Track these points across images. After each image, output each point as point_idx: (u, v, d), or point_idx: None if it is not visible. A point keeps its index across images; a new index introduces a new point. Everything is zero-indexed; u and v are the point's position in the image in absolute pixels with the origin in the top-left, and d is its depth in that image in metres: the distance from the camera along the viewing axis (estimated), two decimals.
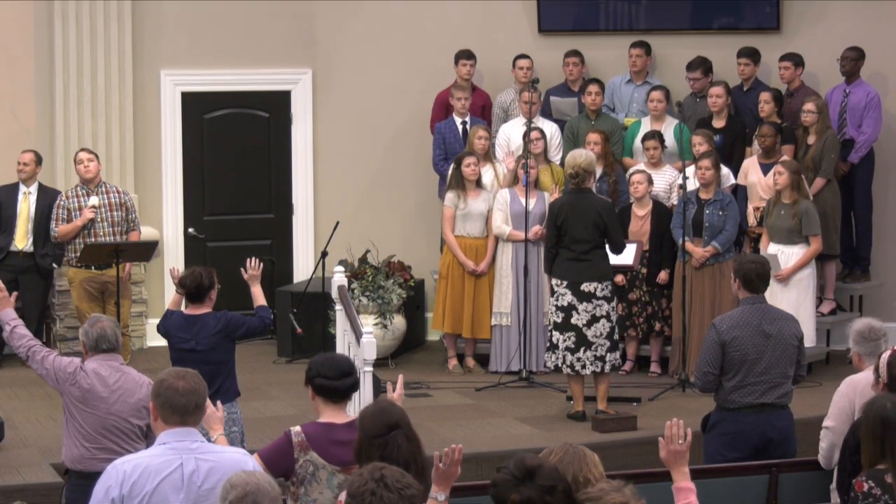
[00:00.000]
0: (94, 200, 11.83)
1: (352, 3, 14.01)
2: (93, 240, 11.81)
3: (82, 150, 12.31)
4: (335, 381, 6.49)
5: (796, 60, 13.07)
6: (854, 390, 7.71)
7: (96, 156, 12.16)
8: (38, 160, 12.63)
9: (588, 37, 13.89)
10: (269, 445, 6.47)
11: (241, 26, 13.84)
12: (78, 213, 12.12)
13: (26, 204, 12.57)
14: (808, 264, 11.97)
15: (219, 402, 6.58)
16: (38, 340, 7.77)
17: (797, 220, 11.86)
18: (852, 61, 13.03)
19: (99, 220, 11.90)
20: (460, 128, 13.19)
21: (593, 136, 12.48)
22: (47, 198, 12.60)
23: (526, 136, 12.47)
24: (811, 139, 12.58)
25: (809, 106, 12.53)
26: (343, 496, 5.77)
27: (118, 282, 11.56)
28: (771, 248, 11.93)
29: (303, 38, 14.02)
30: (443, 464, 5.64)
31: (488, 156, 12.68)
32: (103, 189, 12.00)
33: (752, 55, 13.16)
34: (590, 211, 10.76)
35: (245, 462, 5.63)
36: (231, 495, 4.84)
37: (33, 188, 12.61)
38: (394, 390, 6.76)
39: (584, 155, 10.95)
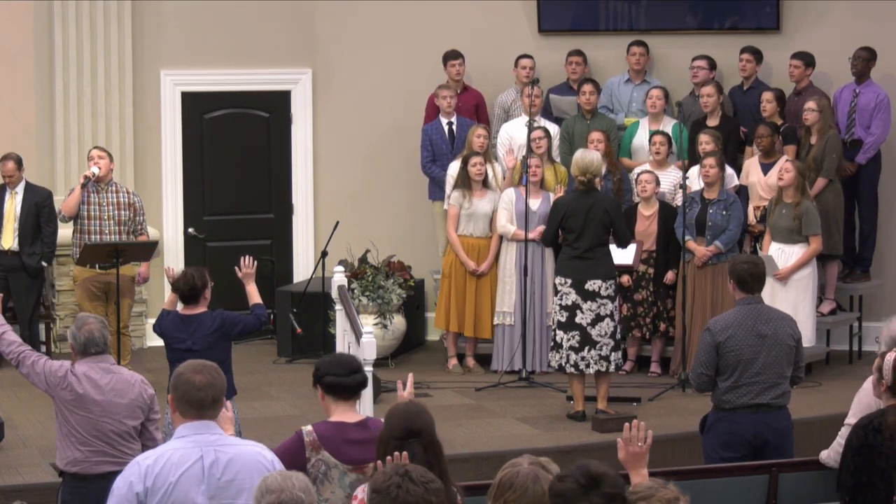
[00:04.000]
0: (94, 169, 11.82)
1: (352, 3, 14.01)
2: (98, 237, 11.76)
3: (95, 147, 12.23)
4: (345, 378, 6.50)
5: (807, 60, 13.04)
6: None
7: (109, 154, 12.06)
8: (20, 163, 12.58)
9: (588, 37, 13.89)
10: (281, 445, 6.46)
11: (241, 26, 13.84)
12: (86, 204, 11.96)
13: (12, 204, 12.54)
14: (809, 264, 11.96)
15: (228, 402, 6.58)
16: (27, 346, 7.72)
17: (797, 221, 11.85)
18: (864, 61, 13.00)
19: (105, 217, 11.84)
20: (446, 128, 13.20)
21: (596, 135, 12.45)
22: (35, 196, 12.58)
23: (529, 134, 12.49)
24: (813, 139, 12.54)
25: (811, 105, 12.50)
26: (359, 492, 5.76)
27: (118, 282, 11.53)
28: (772, 248, 11.93)
29: (303, 38, 14.03)
30: None
31: (487, 154, 12.68)
32: (113, 188, 11.93)
33: (755, 52, 13.16)
34: (596, 209, 10.74)
35: (263, 455, 5.63)
36: (265, 501, 4.85)
37: (20, 188, 12.58)
38: (404, 389, 6.76)
39: (595, 161, 10.88)
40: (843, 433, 7.82)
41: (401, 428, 5.83)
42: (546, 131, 12.60)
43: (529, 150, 12.38)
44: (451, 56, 13.50)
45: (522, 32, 13.91)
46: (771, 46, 13.36)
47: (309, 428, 6.44)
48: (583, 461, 4.77)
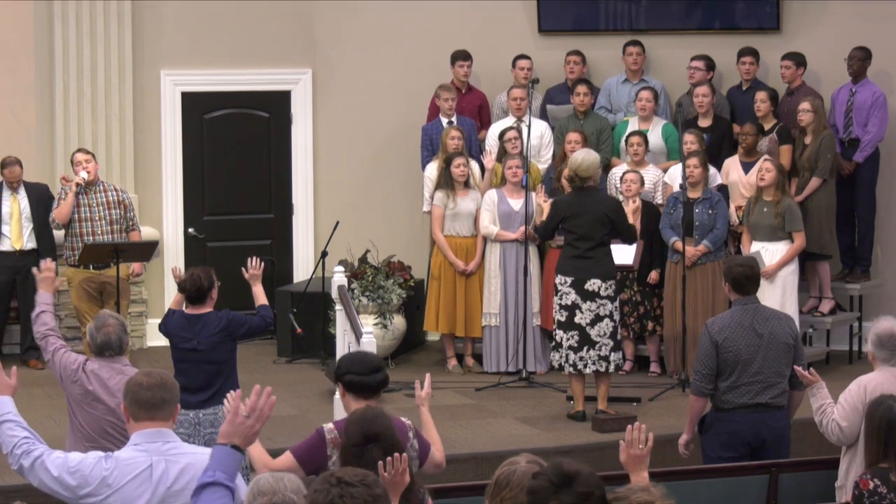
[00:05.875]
0: (83, 175, 11.85)
1: (352, 3, 14.01)
2: (91, 238, 11.80)
3: (79, 150, 12.28)
4: (365, 377, 6.55)
5: (798, 60, 13.06)
6: (864, 391, 7.73)
7: (93, 156, 12.13)
8: (21, 165, 12.57)
9: (588, 37, 13.88)
10: (302, 443, 6.49)
11: (241, 26, 13.84)
12: (76, 206, 12.00)
13: (16, 204, 12.48)
14: (792, 261, 11.97)
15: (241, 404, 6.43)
16: (56, 332, 7.81)
17: (780, 218, 11.87)
18: (859, 61, 13.01)
19: (97, 217, 11.89)
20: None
21: (573, 136, 12.51)
22: (35, 192, 12.55)
23: (502, 135, 12.56)
24: (808, 139, 12.56)
25: (805, 105, 12.52)
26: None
27: (118, 282, 11.55)
28: (754, 246, 11.93)
29: (303, 38, 14.03)
30: (388, 473, 5.60)
31: (463, 155, 12.69)
32: (101, 188, 11.98)
33: (756, 54, 13.17)
34: (596, 209, 10.73)
35: None
36: (257, 503, 4.83)
37: (21, 188, 12.53)
38: (422, 388, 6.79)
39: (587, 162, 10.84)
40: (838, 412, 7.79)
41: (359, 434, 5.84)
42: (519, 132, 12.60)
43: (504, 151, 12.44)
44: (461, 57, 13.49)
45: (522, 32, 13.91)
46: (771, 46, 13.37)
47: (330, 425, 6.47)
48: (559, 459, 4.78)
